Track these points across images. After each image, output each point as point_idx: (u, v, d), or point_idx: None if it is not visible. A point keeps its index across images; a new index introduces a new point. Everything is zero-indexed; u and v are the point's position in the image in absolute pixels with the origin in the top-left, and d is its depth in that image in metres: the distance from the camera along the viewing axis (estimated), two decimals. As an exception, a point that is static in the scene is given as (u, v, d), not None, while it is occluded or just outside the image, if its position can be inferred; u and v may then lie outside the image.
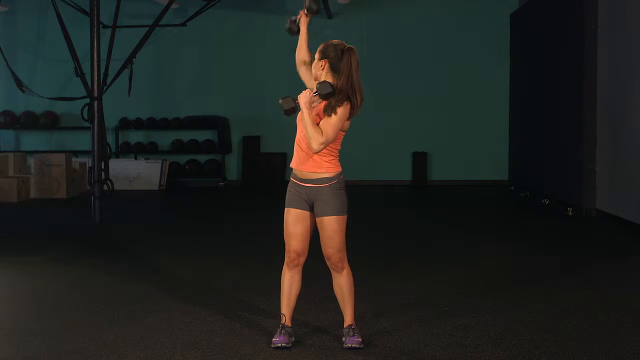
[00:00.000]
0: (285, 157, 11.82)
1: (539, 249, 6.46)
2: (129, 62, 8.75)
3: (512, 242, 6.80)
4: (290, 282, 3.68)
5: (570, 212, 8.56)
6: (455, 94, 12.09)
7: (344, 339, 3.64)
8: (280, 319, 3.75)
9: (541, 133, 10.10)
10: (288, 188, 3.68)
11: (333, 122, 3.47)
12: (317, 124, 3.49)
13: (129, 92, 9.25)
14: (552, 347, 3.64)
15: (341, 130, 3.54)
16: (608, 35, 8.06)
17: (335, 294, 3.71)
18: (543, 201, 9.68)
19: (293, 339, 3.68)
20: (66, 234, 7.36)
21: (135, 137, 12.52)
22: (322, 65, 3.58)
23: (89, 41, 8.07)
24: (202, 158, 12.33)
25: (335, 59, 3.53)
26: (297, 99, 3.54)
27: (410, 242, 6.85)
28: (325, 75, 3.57)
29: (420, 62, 12.14)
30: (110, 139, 11.34)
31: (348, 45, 3.57)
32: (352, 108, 3.52)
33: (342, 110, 3.48)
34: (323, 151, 3.53)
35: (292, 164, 3.66)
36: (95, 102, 8.03)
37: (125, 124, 12.28)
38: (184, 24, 10.62)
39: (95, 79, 8.04)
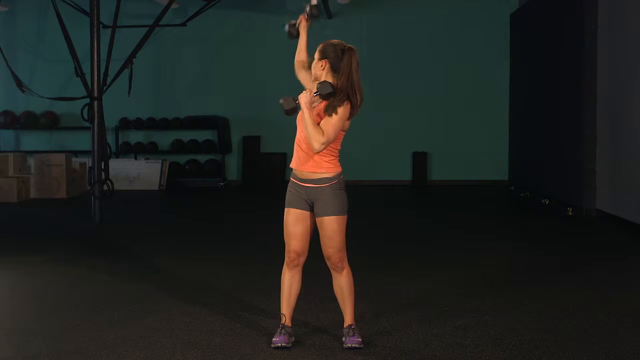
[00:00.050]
0: (285, 157, 11.82)
1: (539, 249, 6.46)
2: (129, 62, 8.75)
3: (512, 242, 6.80)
4: (290, 282, 3.68)
5: (570, 212, 8.57)
6: (455, 94, 12.09)
7: (344, 339, 3.64)
8: (280, 319, 3.75)
9: (541, 133, 10.10)
10: (288, 188, 3.68)
11: (334, 122, 3.47)
12: (318, 124, 3.50)
13: (129, 92, 9.25)
14: (552, 347, 3.64)
15: (341, 130, 3.54)
16: (608, 35, 8.06)
17: (335, 294, 3.71)
18: (543, 201, 9.68)
19: (293, 339, 3.69)
20: (66, 234, 7.36)
21: (135, 137, 12.52)
22: (322, 66, 3.57)
23: (89, 41, 8.07)
24: (202, 158, 12.33)
25: (336, 59, 3.53)
26: (297, 99, 3.54)
27: (410, 242, 6.85)
28: (325, 75, 3.57)
29: (420, 62, 12.14)
30: (110, 139, 11.34)
31: (348, 45, 3.57)
32: (352, 108, 3.52)
33: (342, 110, 3.48)
34: (323, 151, 3.53)
35: (292, 164, 3.66)
36: (95, 102, 8.03)
37: (125, 124, 12.28)
38: (184, 24, 10.63)
39: (95, 79, 8.04)
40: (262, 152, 12.16)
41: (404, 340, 3.76)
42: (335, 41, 3.59)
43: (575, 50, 8.68)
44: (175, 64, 12.50)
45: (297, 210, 3.61)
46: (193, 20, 10.30)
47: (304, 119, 3.49)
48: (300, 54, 3.88)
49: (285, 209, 3.65)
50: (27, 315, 4.37)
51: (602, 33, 8.20)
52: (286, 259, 3.67)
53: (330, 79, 3.55)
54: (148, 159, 12.15)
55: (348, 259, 3.65)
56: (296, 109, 3.55)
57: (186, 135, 12.36)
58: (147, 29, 8.84)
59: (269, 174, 11.74)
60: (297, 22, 3.89)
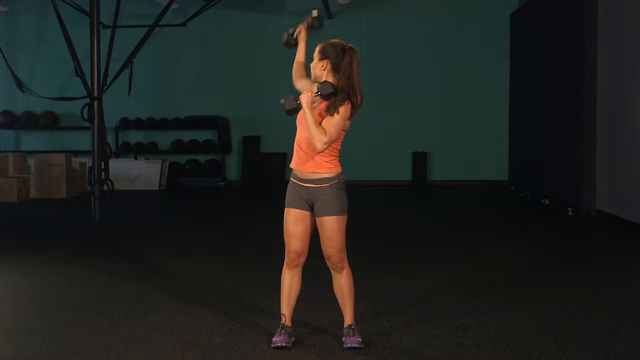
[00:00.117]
0: (285, 157, 11.82)
1: (539, 249, 6.46)
2: (129, 62, 8.75)
3: (512, 242, 6.80)
4: (290, 282, 3.68)
5: (570, 212, 8.56)
6: (455, 94, 12.09)
7: (344, 339, 3.64)
8: (280, 319, 3.75)
9: (541, 133, 10.10)
10: (288, 188, 3.68)
11: (335, 122, 3.47)
12: (319, 124, 3.49)
13: (129, 92, 9.26)
14: (552, 347, 3.64)
15: (342, 130, 3.54)
16: (608, 35, 8.06)
17: (335, 294, 3.71)
18: (543, 201, 9.68)
19: (293, 339, 3.69)
20: (66, 234, 7.36)
21: (135, 137, 12.52)
22: (323, 66, 3.57)
23: (89, 41, 8.07)
24: (202, 158, 12.33)
25: (337, 59, 3.53)
26: (298, 99, 3.53)
27: (410, 242, 6.85)
28: (326, 76, 3.57)
29: (420, 62, 12.14)
30: (110, 139, 11.34)
31: (349, 45, 3.57)
32: (352, 108, 3.52)
33: (344, 110, 3.48)
34: (324, 151, 3.53)
35: (292, 164, 3.66)
36: (95, 102, 8.03)
37: (125, 124, 12.28)
38: (184, 24, 10.63)
39: (95, 79, 8.04)
40: (262, 152, 12.16)
41: (404, 340, 3.76)
42: (334, 41, 3.58)
43: (575, 50, 8.68)
44: (175, 64, 12.50)
45: (297, 210, 3.61)
46: (193, 20, 10.30)
47: (306, 119, 3.48)
48: (299, 64, 3.87)
49: (285, 209, 3.65)
50: (27, 315, 4.37)
51: (602, 33, 8.20)
52: (286, 259, 3.67)
53: (331, 79, 3.55)
54: (148, 159, 12.15)
55: (348, 259, 3.65)
56: (297, 109, 3.55)
57: (186, 135, 12.36)
58: (147, 29, 8.85)
59: (269, 174, 11.74)
60: (297, 31, 3.86)
